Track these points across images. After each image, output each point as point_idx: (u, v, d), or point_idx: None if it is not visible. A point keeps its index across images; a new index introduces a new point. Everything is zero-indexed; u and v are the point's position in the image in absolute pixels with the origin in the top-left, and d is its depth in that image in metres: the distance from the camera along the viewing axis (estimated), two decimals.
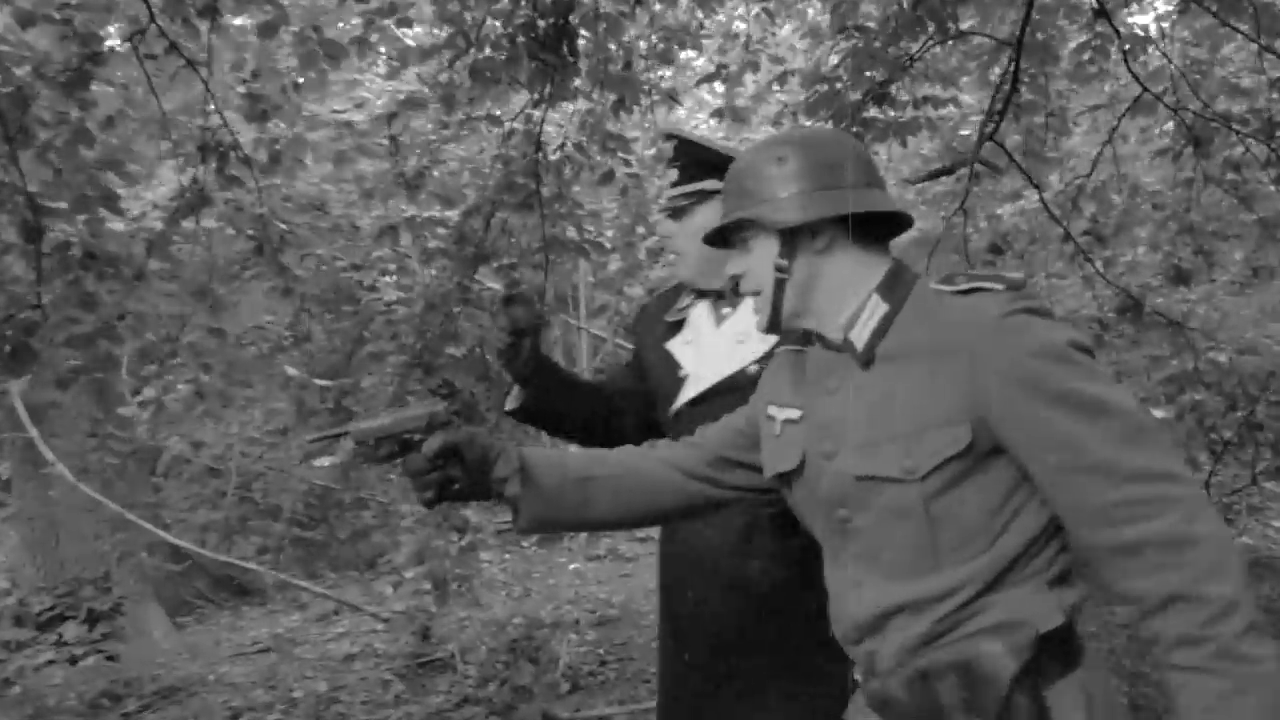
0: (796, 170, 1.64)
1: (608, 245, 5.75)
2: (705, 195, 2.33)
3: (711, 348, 2.33)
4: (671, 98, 7.24)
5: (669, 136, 2.45)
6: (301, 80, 4.17)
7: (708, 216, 2.29)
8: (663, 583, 2.50)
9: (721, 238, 1.80)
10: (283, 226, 4.61)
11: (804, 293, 1.66)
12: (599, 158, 6.11)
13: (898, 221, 1.72)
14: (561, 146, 5.65)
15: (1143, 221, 7.21)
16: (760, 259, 1.69)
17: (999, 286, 1.53)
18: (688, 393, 2.33)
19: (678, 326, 2.46)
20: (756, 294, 1.72)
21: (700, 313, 2.41)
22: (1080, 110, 6.80)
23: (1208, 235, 6.94)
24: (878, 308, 1.61)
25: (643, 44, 6.30)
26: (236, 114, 4.22)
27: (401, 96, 4.39)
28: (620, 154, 6.79)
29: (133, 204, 4.57)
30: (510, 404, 2.42)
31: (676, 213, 2.37)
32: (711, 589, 2.30)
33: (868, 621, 1.61)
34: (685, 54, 8.51)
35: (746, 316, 2.30)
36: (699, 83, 6.42)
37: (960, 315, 1.52)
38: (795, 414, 1.72)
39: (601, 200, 6.73)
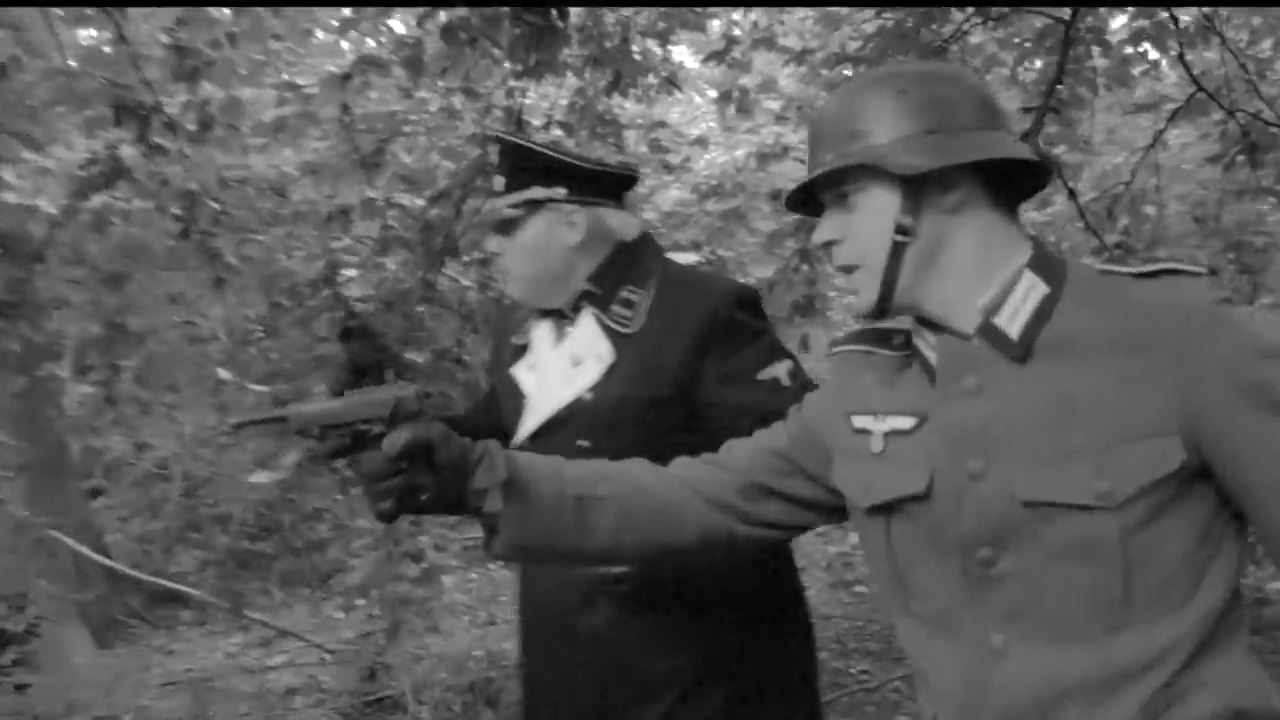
0: (921, 105, 1.39)
1: None
2: (535, 205, 2.13)
3: (548, 372, 2.18)
4: (670, 82, 6.64)
5: (492, 139, 2.30)
6: (236, 30, 3.46)
7: (540, 229, 2.13)
8: (520, 626, 2.33)
9: (805, 197, 1.50)
10: (215, 205, 3.92)
11: (926, 263, 1.40)
12: (590, 144, 5.52)
13: (1032, 177, 1.46)
14: (546, 126, 5.03)
15: (1182, 236, 6.63)
16: (871, 218, 1.41)
17: (1199, 270, 1.31)
18: (526, 426, 2.16)
19: (525, 349, 2.29)
20: (852, 268, 1.44)
21: (542, 333, 2.24)
22: (1121, 114, 6.19)
23: (1255, 252, 6.35)
24: (1034, 287, 1.37)
25: (641, 19, 5.70)
26: (160, 70, 3.54)
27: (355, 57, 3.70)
28: (612, 140, 6.20)
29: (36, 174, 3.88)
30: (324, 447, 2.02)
31: (504, 225, 2.17)
32: (552, 643, 2.18)
33: (1026, 704, 1.34)
34: (684, 43, 7.91)
35: (584, 335, 2.13)
36: (706, 59, 5.75)
37: (1155, 301, 1.30)
38: (908, 422, 1.45)
39: None
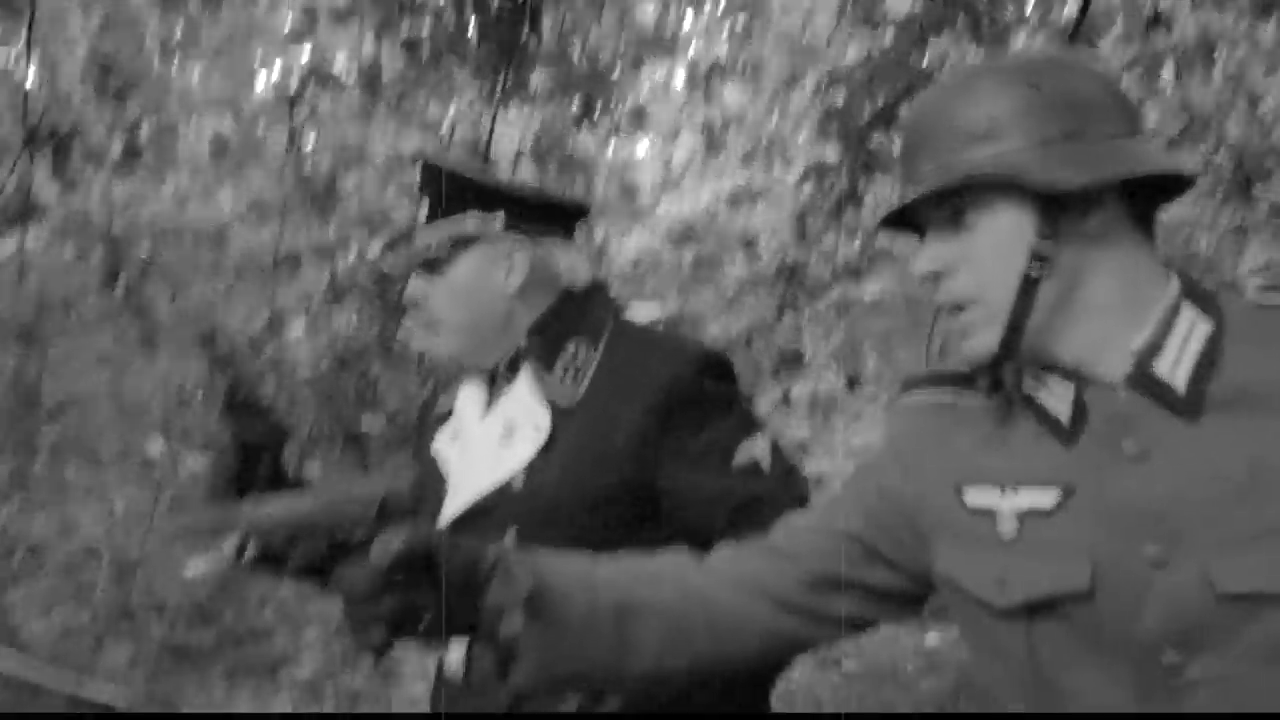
0: (1058, 103, 1.20)
1: None
2: (466, 241, 1.82)
3: (474, 446, 1.86)
4: (639, 117, 6.32)
5: (427, 164, 1.91)
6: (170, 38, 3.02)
7: (472, 268, 1.82)
8: None
9: (900, 215, 1.31)
10: (143, 254, 3.46)
11: (1063, 300, 1.22)
12: (559, 181, 5.14)
13: (1164, 190, 1.27)
14: (516, 159, 4.63)
15: None
16: (997, 244, 1.23)
17: None
18: (446, 512, 1.83)
19: (449, 416, 1.96)
20: (961, 308, 1.26)
21: (469, 397, 1.91)
22: None
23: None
24: (1196, 326, 1.20)
25: (609, 46, 5.37)
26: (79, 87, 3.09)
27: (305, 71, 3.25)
28: (582, 179, 5.83)
29: None
30: (249, 552, 1.67)
31: (429, 265, 1.84)
32: None
33: None
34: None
35: (518, 402, 1.81)
36: (688, 82, 5.39)
37: None
38: (1048, 498, 1.24)
39: None
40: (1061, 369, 1.26)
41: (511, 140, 4.81)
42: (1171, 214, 7.41)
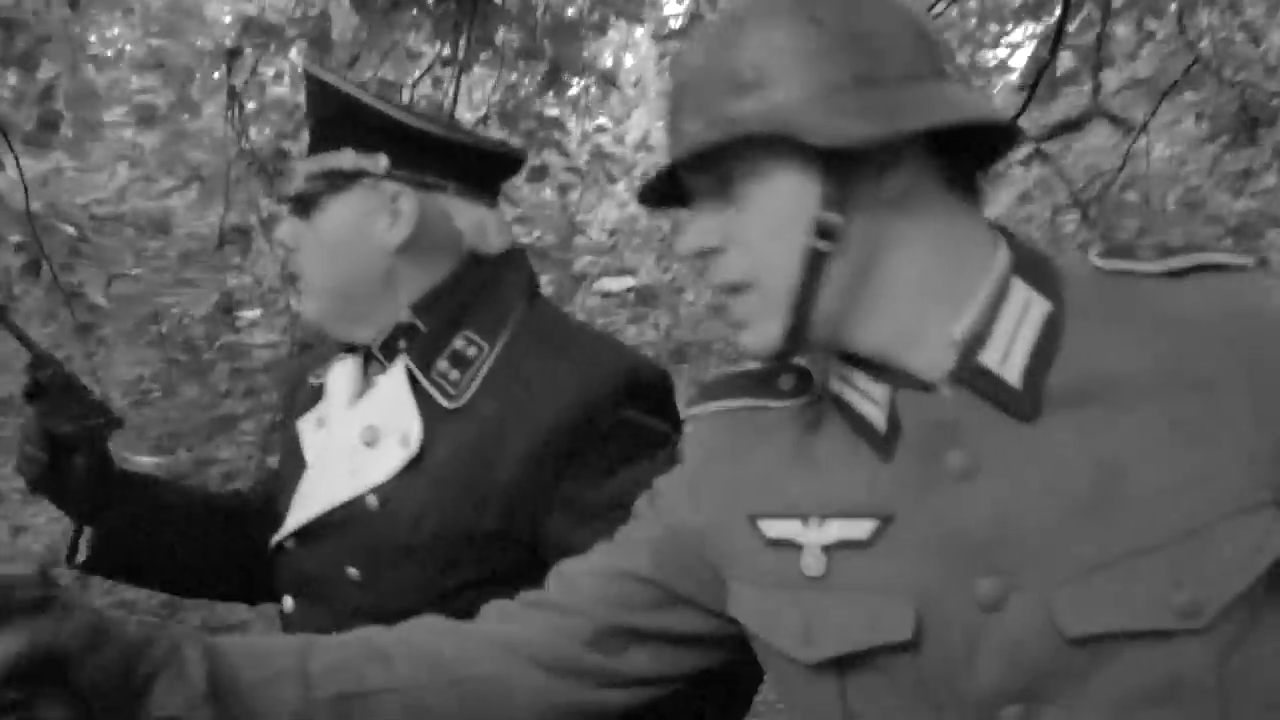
0: (844, 42, 0.99)
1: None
2: (344, 179, 1.47)
3: (334, 441, 1.52)
4: (608, 80, 6.02)
5: (307, 76, 1.55)
6: None
7: (346, 214, 1.47)
8: None
9: (664, 185, 1.08)
10: (70, 230, 3.14)
11: (859, 280, 1.03)
12: (528, 148, 4.85)
13: (986, 145, 1.08)
14: (483, 120, 4.30)
15: (1170, 224, 6.18)
16: (772, 215, 1.02)
17: (1241, 260, 0.99)
18: (290, 520, 1.52)
19: (320, 394, 1.61)
20: (741, 288, 1.04)
21: (341, 375, 1.56)
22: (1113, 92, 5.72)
23: (1253, 239, 5.93)
24: (1031, 305, 1.02)
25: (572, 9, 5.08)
26: None
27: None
28: (551, 143, 5.52)
29: None
30: (80, 554, 1.56)
31: (299, 204, 1.49)
32: None
33: None
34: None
35: (388, 398, 1.47)
36: (665, 37, 5.07)
37: (1202, 312, 0.96)
38: (862, 528, 1.05)
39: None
40: (870, 364, 1.07)
41: (477, 103, 4.52)
42: (1172, 156, 7.16)
